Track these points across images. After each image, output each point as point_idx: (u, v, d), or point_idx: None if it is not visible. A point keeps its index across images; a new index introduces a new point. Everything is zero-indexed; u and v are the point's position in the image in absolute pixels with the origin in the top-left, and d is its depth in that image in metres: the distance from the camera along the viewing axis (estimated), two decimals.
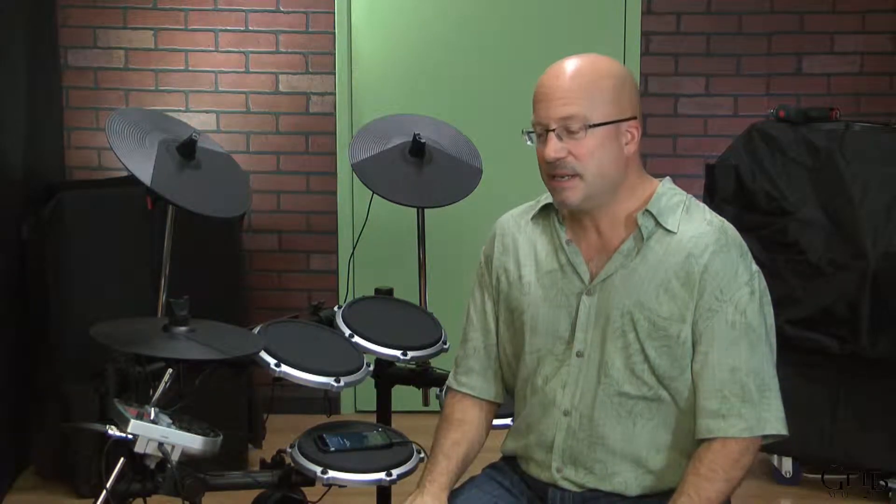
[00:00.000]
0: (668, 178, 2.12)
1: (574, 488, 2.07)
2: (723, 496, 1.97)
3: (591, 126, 1.97)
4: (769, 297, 2.06)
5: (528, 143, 2.05)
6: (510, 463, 2.21)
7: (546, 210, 2.15)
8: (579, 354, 2.06)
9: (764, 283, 2.05)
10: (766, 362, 2.03)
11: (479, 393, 2.22)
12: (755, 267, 2.04)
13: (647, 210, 2.03)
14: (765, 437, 2.02)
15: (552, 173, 2.01)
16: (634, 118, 2.03)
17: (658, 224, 2.03)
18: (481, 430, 2.22)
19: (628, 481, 2.04)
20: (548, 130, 1.99)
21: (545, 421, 2.09)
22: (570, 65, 2.01)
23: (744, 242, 2.06)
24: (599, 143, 1.98)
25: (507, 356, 2.21)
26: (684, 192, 2.10)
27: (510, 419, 2.27)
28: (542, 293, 2.10)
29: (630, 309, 2.01)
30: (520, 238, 2.17)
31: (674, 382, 2.01)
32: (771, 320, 2.06)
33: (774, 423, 2.02)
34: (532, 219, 2.17)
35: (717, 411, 1.98)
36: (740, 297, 1.99)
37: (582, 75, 2.00)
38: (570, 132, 1.97)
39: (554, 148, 1.98)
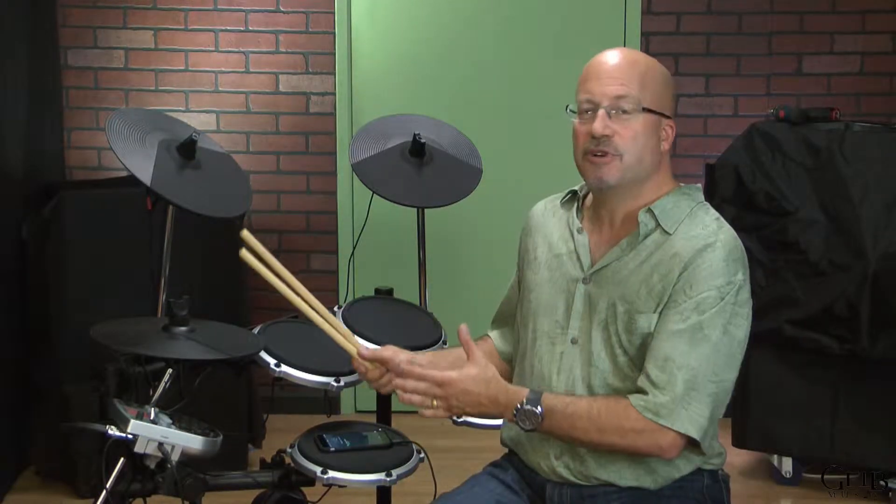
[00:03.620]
0: (698, 185, 2.14)
1: (571, 476, 2.07)
2: (586, 441, 1.99)
3: (642, 109, 2.02)
4: (746, 312, 2.00)
5: (573, 119, 2.08)
6: (511, 460, 2.22)
7: (573, 197, 2.20)
8: (574, 341, 2.08)
9: (744, 297, 2.00)
10: (706, 366, 1.96)
11: (495, 341, 2.32)
12: (741, 278, 1.99)
13: (650, 209, 2.05)
14: (675, 432, 1.94)
15: (593, 150, 2.03)
16: (671, 118, 2.08)
17: (658, 224, 2.04)
18: (491, 359, 2.22)
19: (622, 471, 2.04)
20: (598, 108, 2.02)
21: None
22: (626, 52, 2.09)
23: (739, 250, 2.02)
24: (644, 129, 2.03)
25: (517, 334, 2.25)
26: (697, 200, 2.10)
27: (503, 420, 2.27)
28: (549, 275, 2.14)
29: (615, 301, 2.03)
30: (542, 221, 2.23)
31: None
32: (739, 333, 1.99)
33: (687, 423, 1.95)
34: (561, 204, 2.22)
35: (640, 389, 1.97)
36: (705, 298, 1.96)
37: (638, 63, 2.07)
38: (620, 112, 2.02)
39: (603, 124, 2.01)
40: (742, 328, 2.01)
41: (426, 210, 3.22)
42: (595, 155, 2.03)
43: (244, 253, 2.03)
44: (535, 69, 4.52)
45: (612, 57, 2.07)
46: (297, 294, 2.10)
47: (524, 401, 1.97)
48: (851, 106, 4.45)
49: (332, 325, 2.14)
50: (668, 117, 2.08)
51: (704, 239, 2.00)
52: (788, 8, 4.55)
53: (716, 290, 1.97)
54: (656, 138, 2.06)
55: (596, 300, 2.06)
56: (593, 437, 1.98)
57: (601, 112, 2.02)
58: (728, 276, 1.98)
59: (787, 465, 3.84)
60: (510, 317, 2.30)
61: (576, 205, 2.18)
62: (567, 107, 2.10)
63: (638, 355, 2.01)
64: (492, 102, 4.56)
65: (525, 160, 4.53)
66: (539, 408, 1.96)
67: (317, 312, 2.12)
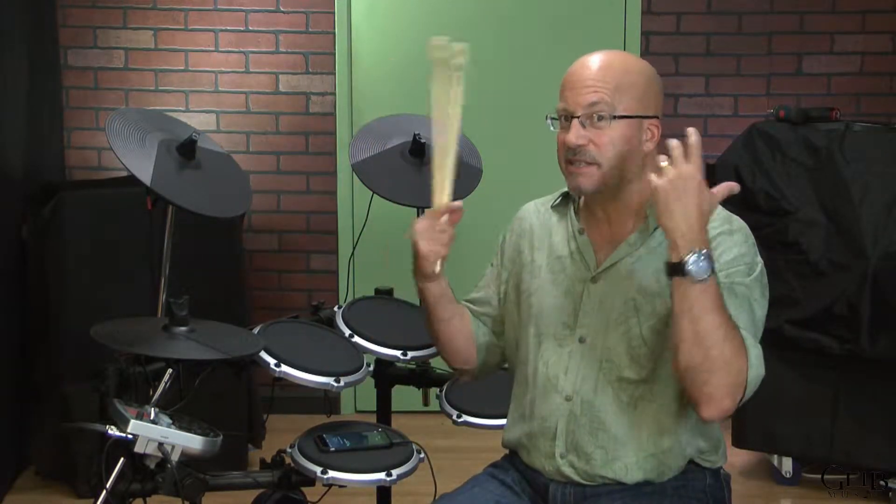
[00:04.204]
0: None
1: (575, 475, 2.07)
2: (708, 332, 1.83)
3: (615, 116, 2.00)
4: (766, 293, 2.02)
5: (552, 128, 2.08)
6: (511, 461, 2.22)
7: (566, 199, 2.20)
8: (581, 340, 2.08)
9: (765, 280, 2.02)
10: (750, 328, 1.94)
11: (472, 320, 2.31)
12: (760, 260, 2.02)
13: None
14: (741, 396, 1.90)
15: (571, 159, 2.04)
16: (657, 117, 2.07)
17: None
18: (469, 323, 2.29)
19: (629, 466, 2.04)
20: (572, 117, 2.02)
21: (547, 406, 2.10)
22: (602, 56, 2.06)
23: (752, 237, 2.04)
24: (621, 134, 2.01)
25: (510, 339, 2.24)
26: None
27: (504, 420, 2.27)
28: (551, 277, 2.14)
29: (633, 296, 2.03)
30: (537, 223, 2.22)
31: (668, 364, 1.97)
32: (761, 313, 2.00)
33: (755, 376, 1.90)
34: (553, 207, 2.21)
35: None
36: (735, 270, 1.96)
37: (612, 67, 2.04)
38: (594, 120, 2.01)
39: (576, 134, 2.01)
40: (763, 308, 2.01)
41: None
42: (571, 164, 2.04)
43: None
44: (535, 69, 4.51)
45: (587, 64, 2.05)
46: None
47: (707, 251, 1.84)
48: (851, 106, 4.46)
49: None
50: (651, 118, 2.05)
51: (720, 226, 2.01)
52: (788, 8, 4.55)
53: (745, 266, 1.98)
54: (637, 141, 2.04)
55: (609, 298, 2.06)
56: (717, 339, 1.84)
57: (575, 122, 2.02)
58: (752, 255, 2.01)
59: (787, 465, 3.84)
60: (485, 304, 2.30)
61: (573, 206, 2.18)
62: (547, 116, 2.09)
63: (655, 339, 2.00)
64: (492, 102, 4.55)
65: (525, 160, 4.52)
66: (712, 268, 1.84)
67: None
